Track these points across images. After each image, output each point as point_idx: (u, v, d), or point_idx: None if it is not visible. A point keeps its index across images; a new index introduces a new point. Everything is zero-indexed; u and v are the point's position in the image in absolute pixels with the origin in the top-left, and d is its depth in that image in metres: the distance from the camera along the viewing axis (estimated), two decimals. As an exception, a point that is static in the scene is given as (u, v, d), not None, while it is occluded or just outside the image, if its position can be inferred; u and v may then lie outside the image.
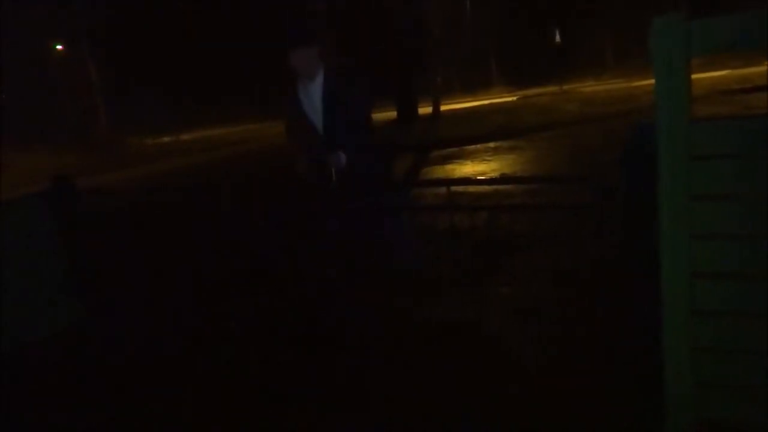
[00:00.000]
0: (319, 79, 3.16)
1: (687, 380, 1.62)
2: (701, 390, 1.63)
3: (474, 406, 2.46)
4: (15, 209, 3.96)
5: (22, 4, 23.64)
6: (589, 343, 2.85)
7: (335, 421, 2.50)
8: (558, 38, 24.65)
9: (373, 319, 3.33)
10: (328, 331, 3.35)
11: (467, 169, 8.94)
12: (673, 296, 1.60)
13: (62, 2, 22.43)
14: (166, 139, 27.43)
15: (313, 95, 3.16)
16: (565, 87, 24.00)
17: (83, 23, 22.83)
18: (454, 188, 5.70)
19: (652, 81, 1.54)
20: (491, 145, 11.20)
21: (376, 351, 3.05)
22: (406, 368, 2.83)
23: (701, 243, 1.55)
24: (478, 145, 11.34)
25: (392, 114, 21.13)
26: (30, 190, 4.92)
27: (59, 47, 29.77)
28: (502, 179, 6.87)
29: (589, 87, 23.78)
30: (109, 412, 2.85)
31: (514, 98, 23.40)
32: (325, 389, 2.78)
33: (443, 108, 20.56)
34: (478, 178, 7.82)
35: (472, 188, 6.34)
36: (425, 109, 20.52)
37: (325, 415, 2.54)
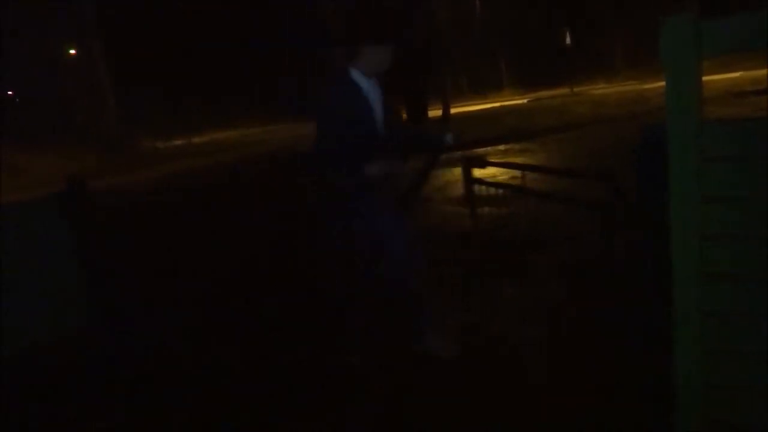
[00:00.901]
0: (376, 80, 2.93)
1: (697, 382, 1.61)
2: (711, 391, 1.61)
3: (482, 406, 2.46)
4: (28, 211, 3.99)
5: (36, 10, 23.92)
6: (597, 344, 2.83)
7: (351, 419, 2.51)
8: (569, 40, 24.55)
9: (382, 314, 3.32)
10: (341, 330, 3.35)
11: (476, 171, 8.90)
12: (683, 298, 1.59)
13: (74, 7, 22.64)
14: (177, 141, 27.62)
15: (375, 95, 2.90)
16: (576, 89, 23.91)
17: (95, 27, 23.03)
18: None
19: (664, 83, 1.54)
20: (501, 147, 11.17)
21: (382, 347, 3.05)
22: (413, 366, 2.83)
23: (712, 245, 1.54)
24: (489, 148, 11.31)
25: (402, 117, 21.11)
26: (43, 192, 4.96)
27: (72, 51, 30.10)
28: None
29: (600, 89, 23.67)
30: (113, 416, 2.87)
31: (525, 100, 23.35)
32: (336, 388, 2.78)
33: (453, 110, 20.56)
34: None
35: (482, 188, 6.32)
36: (435, 112, 20.54)
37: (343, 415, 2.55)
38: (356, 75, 2.84)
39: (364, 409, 2.58)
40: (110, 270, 4.45)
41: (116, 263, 5.24)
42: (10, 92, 35.11)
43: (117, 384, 3.17)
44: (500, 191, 4.97)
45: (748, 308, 1.54)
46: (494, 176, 8.34)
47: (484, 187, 5.13)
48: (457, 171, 9.05)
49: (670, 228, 1.57)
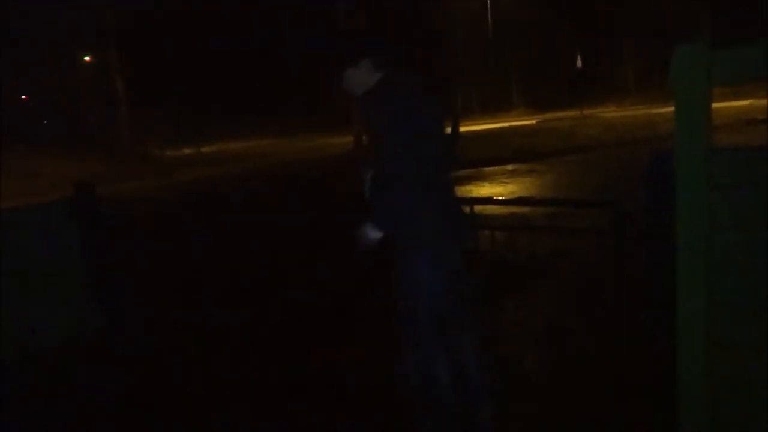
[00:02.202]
0: None
1: (705, 414, 1.60)
2: (717, 423, 1.59)
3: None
4: (38, 215, 4.03)
5: (54, 16, 24.27)
6: (603, 369, 2.81)
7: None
8: (580, 63, 24.63)
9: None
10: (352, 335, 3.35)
11: (485, 190, 8.93)
12: (689, 326, 1.57)
13: (93, 15, 22.98)
14: (186, 150, 27.79)
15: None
16: (586, 112, 23.92)
17: (112, 36, 23.35)
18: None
19: (674, 108, 1.54)
20: (509, 167, 11.19)
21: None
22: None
23: (719, 273, 1.53)
24: (496, 167, 11.33)
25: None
26: (54, 196, 5.00)
27: (87, 58, 30.46)
28: (523, 200, 6.83)
29: (610, 113, 23.68)
30: (116, 418, 2.87)
31: (534, 122, 23.37)
32: (347, 390, 2.77)
33: (462, 129, 20.58)
34: (496, 198, 7.80)
35: (489, 209, 6.33)
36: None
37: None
38: None
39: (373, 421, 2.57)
40: (119, 273, 4.47)
41: (125, 267, 5.26)
42: (24, 96, 35.56)
43: (127, 386, 3.17)
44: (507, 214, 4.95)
45: (755, 337, 1.53)
46: (501, 195, 8.37)
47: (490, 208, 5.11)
48: (465, 189, 9.09)
49: (677, 254, 1.56)
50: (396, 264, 2.24)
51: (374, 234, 2.16)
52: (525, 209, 6.22)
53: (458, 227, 2.31)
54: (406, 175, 2.07)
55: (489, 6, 31.98)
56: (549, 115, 26.26)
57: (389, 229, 2.15)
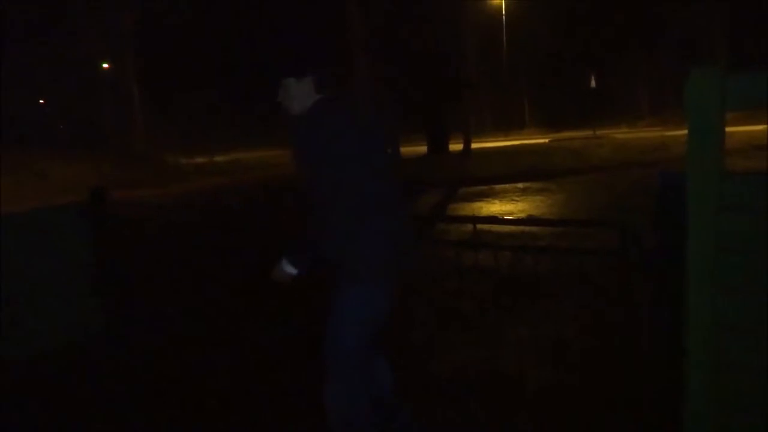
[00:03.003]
0: None
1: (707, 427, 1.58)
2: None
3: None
4: (50, 217, 4.07)
5: (74, 21, 24.69)
6: (606, 389, 2.79)
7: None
8: (594, 83, 24.66)
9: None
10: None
11: (495, 207, 8.92)
12: (697, 347, 1.57)
13: (113, 22, 23.36)
14: (200, 159, 28.00)
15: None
16: (599, 132, 23.90)
17: (131, 44, 23.70)
18: (480, 226, 5.70)
19: (687, 131, 1.55)
20: (520, 185, 11.17)
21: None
22: (423, 405, 2.81)
23: (728, 297, 1.52)
24: (507, 185, 11.32)
25: (422, 148, 21.30)
26: (67, 199, 5.06)
27: (105, 65, 30.92)
28: (530, 220, 6.83)
29: (623, 134, 23.64)
30: (123, 420, 2.87)
31: (546, 140, 23.39)
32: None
33: (474, 146, 20.64)
34: (506, 217, 7.79)
35: (497, 227, 6.32)
36: (456, 146, 20.63)
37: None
38: None
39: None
40: (126, 278, 4.51)
41: (132, 271, 5.30)
42: (41, 101, 36.10)
43: (128, 388, 3.18)
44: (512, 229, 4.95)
45: (764, 360, 1.52)
46: (511, 212, 8.36)
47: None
48: (476, 206, 9.10)
49: (686, 277, 1.56)
50: (332, 291, 2.10)
51: (289, 270, 2.08)
52: (534, 228, 6.21)
53: (401, 256, 2.13)
54: (339, 203, 1.97)
55: (504, 24, 32.21)
56: (561, 135, 26.27)
57: (327, 256, 2.04)
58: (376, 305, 2.08)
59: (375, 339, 2.19)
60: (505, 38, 32.85)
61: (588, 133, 23.89)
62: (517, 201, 9.35)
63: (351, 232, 2.01)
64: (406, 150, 21.80)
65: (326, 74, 2.13)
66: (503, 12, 31.95)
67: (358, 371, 2.11)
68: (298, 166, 2.03)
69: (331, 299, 2.09)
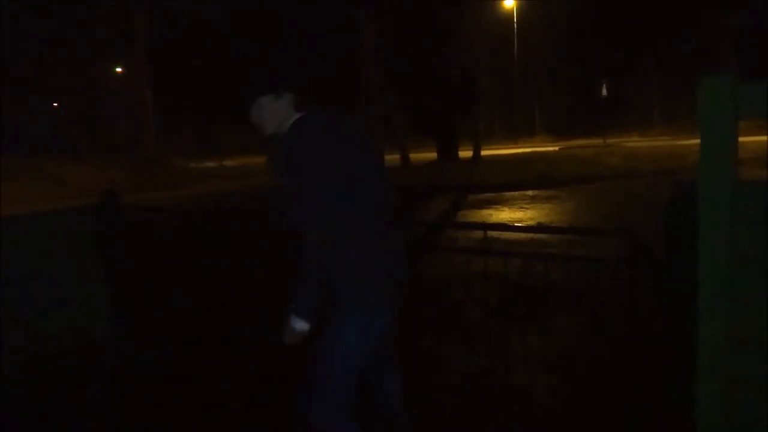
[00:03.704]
0: None
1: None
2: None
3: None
4: (60, 220, 4.10)
5: (89, 26, 24.96)
6: (614, 398, 2.76)
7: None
8: (605, 91, 24.57)
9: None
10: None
11: (504, 215, 8.89)
12: (709, 361, 1.54)
13: (127, 27, 23.59)
14: (210, 163, 28.15)
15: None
16: (609, 140, 23.82)
17: (144, 49, 23.90)
18: (488, 233, 5.68)
19: (699, 140, 1.53)
20: (530, 193, 11.14)
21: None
22: (429, 415, 2.79)
23: (741, 308, 1.50)
24: (516, 192, 11.29)
25: (432, 155, 21.29)
26: (78, 202, 5.09)
27: (119, 69, 31.22)
28: (539, 228, 6.80)
29: (634, 142, 23.54)
30: (128, 421, 2.88)
31: (557, 148, 23.32)
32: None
33: (484, 153, 20.62)
34: (515, 224, 7.76)
35: (506, 234, 6.29)
36: (466, 153, 20.62)
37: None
38: None
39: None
40: (135, 282, 4.53)
41: (141, 274, 5.32)
42: (55, 104, 36.50)
43: (135, 392, 3.19)
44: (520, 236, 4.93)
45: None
46: (520, 220, 8.33)
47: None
48: (485, 213, 9.07)
49: (699, 286, 1.54)
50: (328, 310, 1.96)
51: (300, 326, 1.88)
52: (543, 236, 6.18)
53: (396, 281, 1.99)
54: (328, 230, 1.83)
55: (515, 31, 32.21)
56: (571, 143, 26.19)
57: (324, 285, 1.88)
58: (371, 332, 1.96)
59: (379, 353, 2.11)
60: (516, 46, 32.83)
61: (598, 141, 23.81)
62: (527, 209, 9.31)
63: (343, 259, 1.87)
64: (416, 156, 21.87)
65: (307, 91, 1.98)
66: (515, 20, 31.95)
67: (346, 393, 1.99)
68: (284, 189, 1.86)
69: (326, 319, 1.94)
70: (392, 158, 20.02)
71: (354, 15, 19.76)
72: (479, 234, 5.68)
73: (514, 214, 8.93)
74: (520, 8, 31.66)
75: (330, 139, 1.91)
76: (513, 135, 32.77)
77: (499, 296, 4.46)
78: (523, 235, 6.35)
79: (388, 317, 1.99)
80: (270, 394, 3.10)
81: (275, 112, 1.97)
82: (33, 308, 3.60)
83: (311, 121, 1.93)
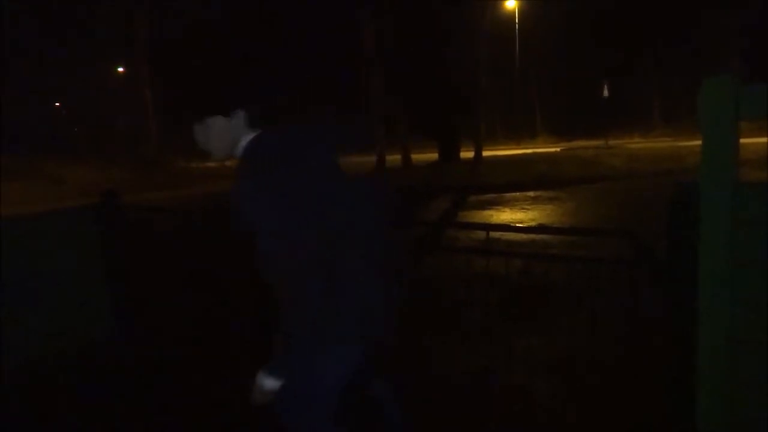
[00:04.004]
0: None
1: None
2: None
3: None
4: (60, 220, 4.10)
5: (90, 26, 24.99)
6: (614, 400, 2.75)
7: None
8: (606, 92, 24.54)
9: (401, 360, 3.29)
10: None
11: (505, 216, 8.89)
12: (710, 363, 1.54)
13: (128, 28, 23.63)
14: (210, 164, 28.17)
15: None
16: (611, 141, 23.79)
17: (146, 50, 23.94)
18: (490, 234, 5.67)
19: (700, 141, 1.53)
20: (531, 194, 11.13)
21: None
22: (428, 414, 2.79)
23: (742, 309, 1.50)
24: (517, 193, 11.28)
25: (433, 155, 21.29)
26: (79, 202, 5.09)
27: (120, 69, 31.25)
28: (540, 229, 6.79)
29: (636, 143, 23.52)
30: (130, 422, 2.88)
31: (558, 149, 23.30)
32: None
33: (485, 153, 20.60)
34: (516, 225, 7.76)
35: (507, 235, 6.28)
36: (467, 153, 20.62)
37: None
38: None
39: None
40: (135, 282, 4.53)
41: (142, 274, 5.31)
42: (57, 104, 36.54)
43: (135, 390, 3.19)
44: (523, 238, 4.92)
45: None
46: (521, 221, 8.33)
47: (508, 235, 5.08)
48: (486, 213, 9.06)
49: (700, 287, 1.54)
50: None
51: (270, 384, 1.69)
52: (544, 236, 6.18)
53: (376, 317, 1.75)
54: (299, 263, 1.58)
55: (517, 31, 32.20)
56: (573, 144, 26.18)
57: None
58: (348, 368, 1.77)
59: (365, 371, 1.89)
60: (517, 46, 32.81)
61: (600, 142, 23.78)
62: (528, 209, 9.31)
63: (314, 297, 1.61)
64: (418, 157, 21.86)
65: (261, 107, 1.74)
66: (516, 21, 31.93)
67: (324, 421, 1.81)
68: (246, 224, 1.63)
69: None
70: (393, 159, 20.03)
71: (354, 15, 19.76)
72: (480, 234, 5.67)
73: (515, 214, 8.93)
74: (520, 8, 31.65)
75: (288, 162, 1.64)
76: (514, 136, 32.73)
77: (499, 296, 4.45)
78: (524, 236, 6.35)
79: (362, 351, 1.77)
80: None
81: (227, 132, 1.71)
82: (33, 308, 3.60)
83: (265, 143, 1.68)
